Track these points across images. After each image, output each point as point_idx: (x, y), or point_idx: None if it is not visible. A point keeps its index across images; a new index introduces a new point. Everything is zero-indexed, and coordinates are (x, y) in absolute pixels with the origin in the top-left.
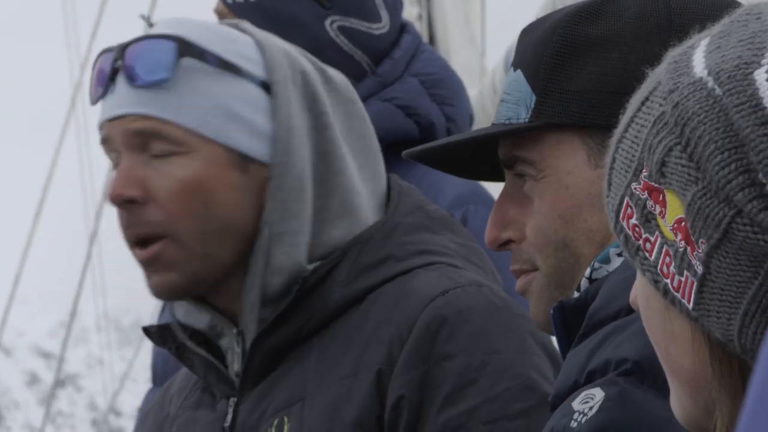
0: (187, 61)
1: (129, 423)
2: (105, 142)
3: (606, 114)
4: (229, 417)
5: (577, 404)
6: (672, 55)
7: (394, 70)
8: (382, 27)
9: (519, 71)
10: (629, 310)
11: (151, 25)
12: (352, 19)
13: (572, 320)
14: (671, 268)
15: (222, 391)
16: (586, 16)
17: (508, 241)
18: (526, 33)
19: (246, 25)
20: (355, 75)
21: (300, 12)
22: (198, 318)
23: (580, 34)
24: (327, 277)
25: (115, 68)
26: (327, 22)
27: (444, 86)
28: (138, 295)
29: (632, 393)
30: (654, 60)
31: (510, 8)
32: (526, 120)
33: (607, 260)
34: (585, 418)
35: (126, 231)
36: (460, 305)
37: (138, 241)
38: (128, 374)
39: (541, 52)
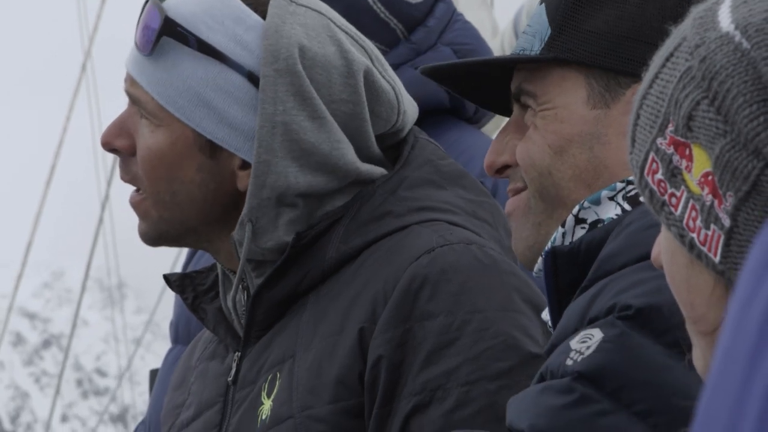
0: (167, 40)
1: (113, 383)
2: None
3: (615, 58)
4: (233, 371)
5: (574, 343)
6: (696, 11)
7: (427, 38)
8: None
9: (543, 5)
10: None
11: None
12: None
13: (564, 267)
14: (697, 222)
15: (230, 345)
16: None
17: (506, 167)
18: None
19: None
20: (389, 42)
21: None
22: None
23: None
24: (327, 232)
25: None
26: None
27: (476, 57)
28: (119, 256)
29: (631, 336)
30: (671, 11)
31: None
32: (537, 53)
33: (597, 202)
34: (581, 356)
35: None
36: (445, 264)
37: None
38: (113, 335)
39: None
